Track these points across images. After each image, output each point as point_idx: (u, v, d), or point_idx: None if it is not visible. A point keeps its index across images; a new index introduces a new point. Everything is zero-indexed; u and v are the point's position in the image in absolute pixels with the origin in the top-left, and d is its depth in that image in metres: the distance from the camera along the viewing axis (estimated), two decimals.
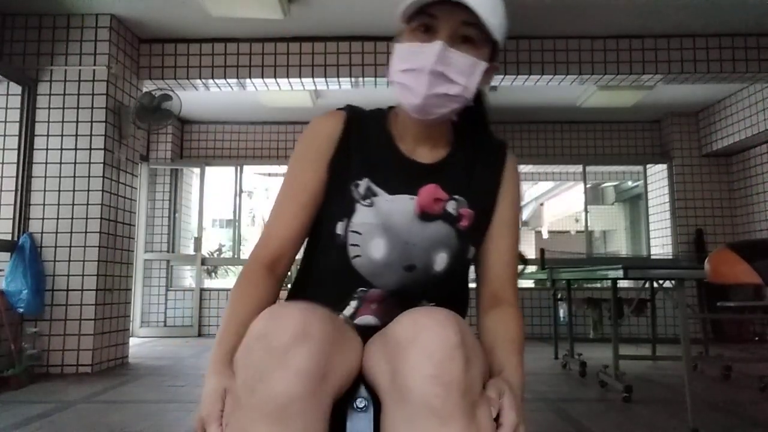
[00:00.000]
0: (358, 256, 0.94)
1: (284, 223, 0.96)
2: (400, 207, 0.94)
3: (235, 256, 6.66)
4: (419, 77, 0.87)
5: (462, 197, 0.97)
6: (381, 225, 0.93)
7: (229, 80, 4.29)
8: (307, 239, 1.01)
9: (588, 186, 6.75)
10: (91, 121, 3.81)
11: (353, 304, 0.95)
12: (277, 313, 0.70)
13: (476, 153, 1.02)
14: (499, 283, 1.00)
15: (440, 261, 0.94)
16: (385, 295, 0.94)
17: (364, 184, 0.95)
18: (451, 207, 0.95)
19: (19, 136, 3.73)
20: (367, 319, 0.94)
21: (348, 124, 0.99)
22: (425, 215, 0.94)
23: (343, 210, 0.95)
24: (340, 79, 4.26)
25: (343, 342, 0.76)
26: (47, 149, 3.77)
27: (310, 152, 0.98)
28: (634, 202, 8.88)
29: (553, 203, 16.20)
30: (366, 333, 0.89)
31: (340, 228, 0.94)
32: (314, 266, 1.01)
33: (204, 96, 5.31)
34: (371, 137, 1.00)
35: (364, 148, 0.98)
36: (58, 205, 3.73)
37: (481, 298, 1.01)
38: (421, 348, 0.68)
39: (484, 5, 0.85)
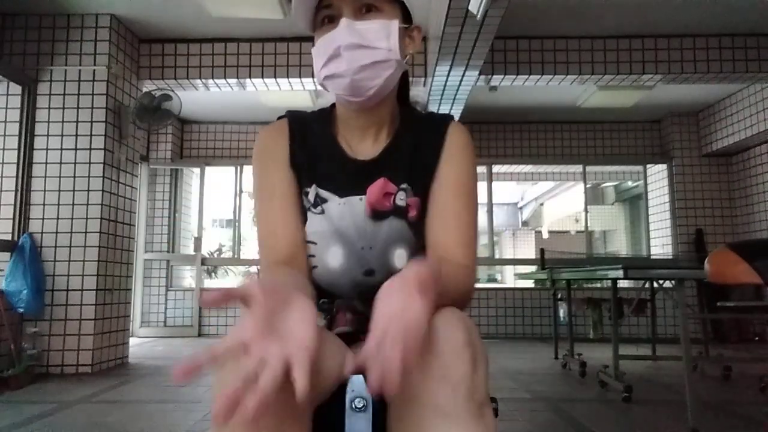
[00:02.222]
0: (315, 267, 0.93)
1: (283, 226, 0.92)
2: (351, 210, 0.92)
3: (235, 256, 6.65)
4: (340, 60, 0.86)
5: (407, 184, 0.94)
6: (335, 232, 0.92)
7: (229, 80, 4.29)
8: None
9: (588, 186, 6.75)
10: (91, 121, 3.81)
11: (322, 316, 0.94)
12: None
13: (421, 132, 0.97)
14: (442, 248, 0.90)
15: (399, 258, 0.93)
16: (353, 305, 0.93)
17: (312, 191, 0.94)
18: (400, 199, 0.93)
19: (19, 136, 3.73)
20: (342, 329, 0.93)
21: (292, 129, 0.98)
22: (377, 214, 0.92)
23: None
24: None
25: (322, 350, 0.75)
26: (47, 149, 3.77)
27: (271, 159, 0.96)
28: (634, 202, 8.87)
29: (553, 203, 16.18)
30: (344, 339, 0.89)
31: None
32: None
33: (204, 96, 5.31)
34: (314, 141, 0.97)
35: (308, 154, 0.96)
36: (58, 205, 3.73)
37: None
38: (429, 348, 0.67)
39: None
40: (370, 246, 0.92)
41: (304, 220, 0.94)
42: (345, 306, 0.93)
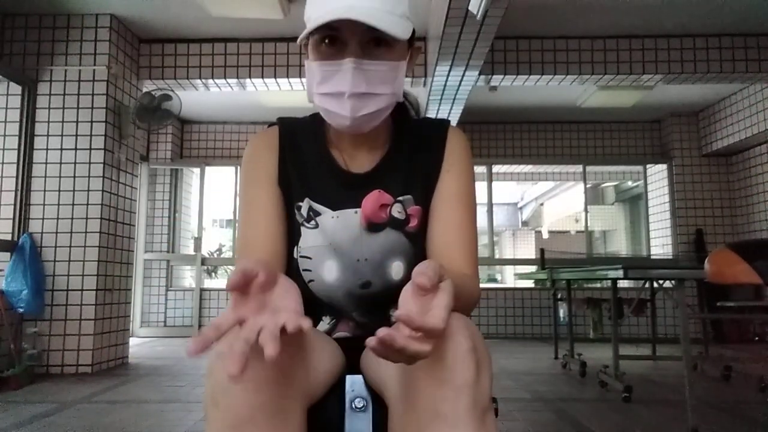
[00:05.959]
0: (312, 280, 0.92)
1: (260, 242, 0.90)
2: (345, 223, 0.91)
3: (235, 256, 6.65)
4: (342, 102, 0.82)
5: (407, 195, 0.92)
6: (329, 246, 0.91)
7: (229, 80, 4.29)
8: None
9: (588, 186, 6.75)
10: (91, 121, 3.81)
11: (326, 320, 0.94)
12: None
13: (417, 141, 0.96)
14: (445, 257, 0.87)
15: (396, 270, 0.92)
16: (352, 317, 0.93)
17: (305, 205, 0.92)
18: (396, 211, 0.91)
19: (19, 136, 3.73)
20: (343, 334, 0.94)
21: (282, 138, 0.96)
22: (372, 226, 0.91)
23: (292, 235, 0.93)
24: None
25: (311, 348, 0.76)
26: (47, 149, 3.77)
27: (257, 173, 0.94)
28: (634, 202, 8.86)
29: (553, 203, 16.19)
30: (343, 344, 0.89)
31: (295, 253, 0.93)
32: None
33: (204, 96, 5.31)
34: (306, 152, 0.95)
35: (300, 166, 0.94)
36: (58, 205, 3.73)
37: None
38: (433, 352, 0.68)
39: (381, 10, 0.79)
40: (365, 258, 0.91)
41: (296, 236, 0.93)
42: (346, 319, 0.94)
